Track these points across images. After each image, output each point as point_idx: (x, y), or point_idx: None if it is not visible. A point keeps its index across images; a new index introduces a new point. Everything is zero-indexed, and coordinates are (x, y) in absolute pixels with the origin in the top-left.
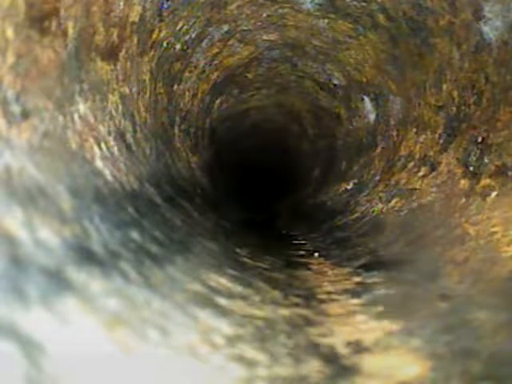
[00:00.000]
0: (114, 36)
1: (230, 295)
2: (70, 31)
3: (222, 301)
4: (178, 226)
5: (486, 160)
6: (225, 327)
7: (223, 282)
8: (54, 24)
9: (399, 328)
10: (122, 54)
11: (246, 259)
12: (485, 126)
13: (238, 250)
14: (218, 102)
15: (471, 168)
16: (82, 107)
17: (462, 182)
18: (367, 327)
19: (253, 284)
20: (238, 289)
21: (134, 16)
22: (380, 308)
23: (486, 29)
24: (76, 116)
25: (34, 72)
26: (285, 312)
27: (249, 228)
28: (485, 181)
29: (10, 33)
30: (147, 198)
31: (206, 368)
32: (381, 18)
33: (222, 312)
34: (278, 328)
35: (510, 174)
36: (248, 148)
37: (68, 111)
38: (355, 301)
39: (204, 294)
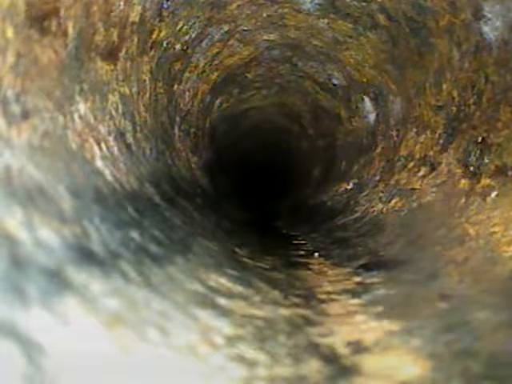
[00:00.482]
0: (114, 36)
1: (230, 295)
2: (70, 31)
3: (222, 301)
4: (178, 226)
5: (486, 160)
6: (225, 327)
7: (223, 281)
8: (53, 24)
9: (399, 328)
10: (121, 54)
11: (246, 259)
12: (485, 126)
13: (237, 250)
14: (217, 101)
15: (471, 168)
16: (82, 107)
17: (462, 181)
18: (367, 327)
19: (253, 284)
20: (238, 289)
21: (134, 16)
22: (380, 308)
23: (486, 29)
24: (76, 116)
25: (33, 72)
26: (285, 312)
27: (249, 228)
28: (485, 181)
29: (10, 33)
30: (147, 197)
31: (206, 368)
32: (381, 18)
33: (222, 312)
34: (277, 328)
35: (510, 173)
36: (248, 148)
37: (68, 111)
38: (355, 301)
39: (204, 293)
